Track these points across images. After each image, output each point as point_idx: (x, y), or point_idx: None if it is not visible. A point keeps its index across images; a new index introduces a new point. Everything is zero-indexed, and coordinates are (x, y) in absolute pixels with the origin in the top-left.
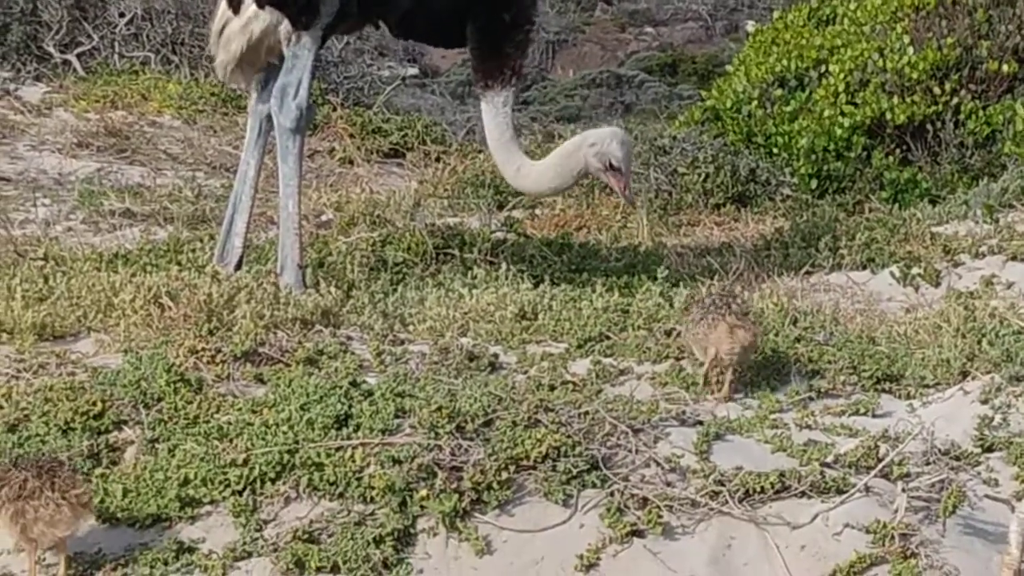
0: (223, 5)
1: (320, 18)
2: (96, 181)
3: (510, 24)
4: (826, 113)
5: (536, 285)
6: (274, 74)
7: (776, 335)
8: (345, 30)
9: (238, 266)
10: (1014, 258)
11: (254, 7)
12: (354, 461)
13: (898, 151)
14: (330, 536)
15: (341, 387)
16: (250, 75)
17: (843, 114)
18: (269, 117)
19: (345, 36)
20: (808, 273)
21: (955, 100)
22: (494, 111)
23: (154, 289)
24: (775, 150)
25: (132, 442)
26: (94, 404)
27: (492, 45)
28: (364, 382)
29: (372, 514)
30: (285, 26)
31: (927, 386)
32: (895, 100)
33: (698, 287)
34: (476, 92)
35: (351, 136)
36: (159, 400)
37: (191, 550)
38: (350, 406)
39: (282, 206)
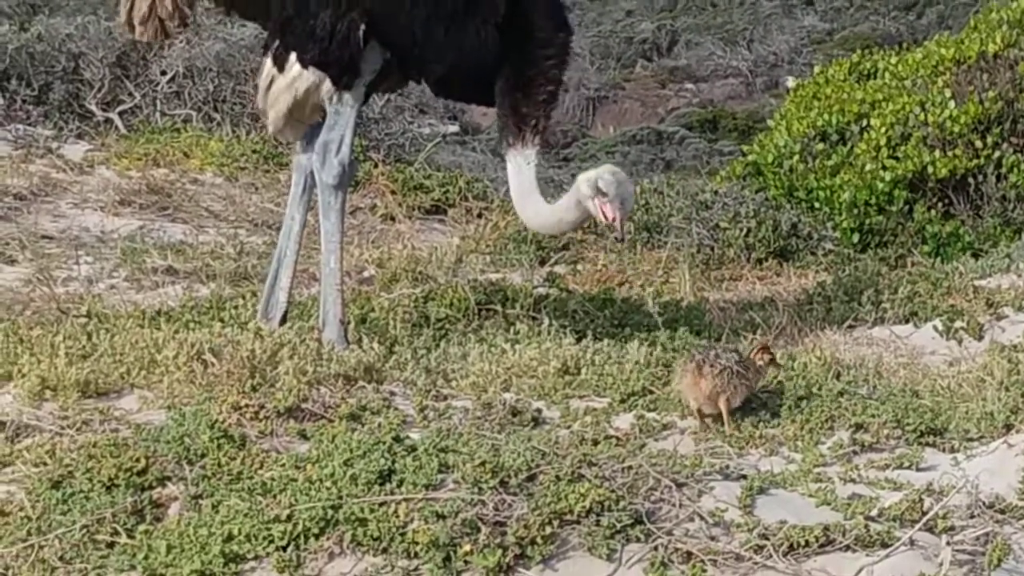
0: (268, 63)
1: (362, 77)
2: (138, 239)
3: (528, 82)
4: (868, 167)
5: (579, 340)
6: (319, 129)
7: (819, 389)
8: (387, 88)
9: (282, 321)
10: None
11: (298, 66)
12: (398, 516)
13: (940, 205)
14: None
15: (384, 443)
16: (300, 130)
17: (885, 168)
18: (314, 172)
19: (387, 93)
20: (851, 327)
21: (997, 153)
22: (516, 170)
23: (197, 346)
24: (817, 204)
25: (176, 498)
26: (138, 461)
27: (512, 104)
28: (407, 437)
29: (416, 569)
30: (327, 85)
31: (971, 439)
32: (937, 154)
33: (740, 342)
34: (503, 151)
35: (393, 193)
36: (202, 456)
37: None
38: (393, 461)
39: (324, 262)
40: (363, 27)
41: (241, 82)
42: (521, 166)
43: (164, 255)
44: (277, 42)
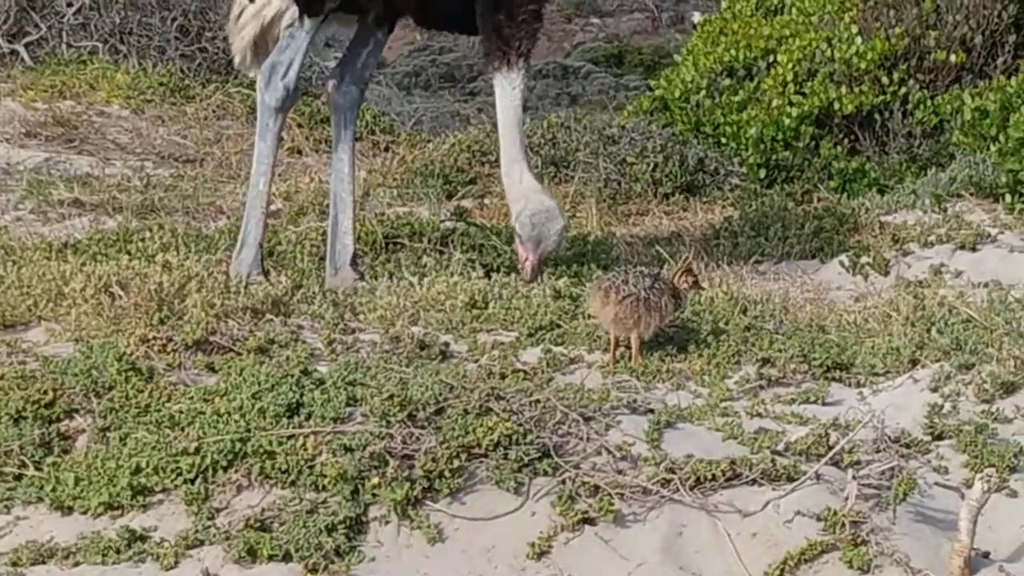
0: None
1: (325, 5)
2: (44, 171)
3: (509, 2)
4: (774, 103)
5: (487, 274)
6: (349, 67)
7: (726, 324)
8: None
9: (353, 263)
10: (962, 247)
11: None
12: (306, 449)
13: (846, 141)
14: (282, 524)
15: (292, 376)
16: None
17: (791, 104)
18: (350, 106)
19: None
20: (758, 262)
21: (903, 90)
22: (502, 93)
23: (104, 278)
24: (723, 140)
25: (83, 431)
26: (45, 393)
27: (494, 26)
28: (315, 371)
29: (324, 502)
30: (291, 13)
31: (877, 374)
32: (843, 90)
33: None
34: (488, 75)
35: (299, 126)
36: (110, 389)
37: (143, 538)
38: (301, 394)
39: (252, 183)
40: None
41: (148, 14)
42: (507, 90)
43: (70, 187)
44: None
